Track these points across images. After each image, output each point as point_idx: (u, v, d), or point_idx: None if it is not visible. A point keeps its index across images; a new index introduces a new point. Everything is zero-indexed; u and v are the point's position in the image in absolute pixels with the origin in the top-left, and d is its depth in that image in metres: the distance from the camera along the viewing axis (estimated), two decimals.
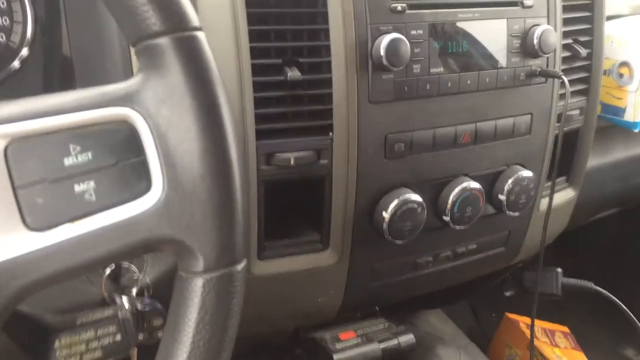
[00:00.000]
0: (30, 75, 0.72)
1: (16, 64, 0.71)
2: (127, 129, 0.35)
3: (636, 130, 0.98)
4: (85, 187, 0.34)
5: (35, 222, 0.33)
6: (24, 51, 0.71)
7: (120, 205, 0.35)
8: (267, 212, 0.67)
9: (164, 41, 0.35)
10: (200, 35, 0.36)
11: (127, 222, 0.35)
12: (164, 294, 0.66)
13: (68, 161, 0.34)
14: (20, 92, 0.71)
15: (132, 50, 0.36)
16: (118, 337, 0.58)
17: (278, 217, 0.70)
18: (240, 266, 0.38)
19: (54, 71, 0.73)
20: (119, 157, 0.35)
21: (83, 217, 0.34)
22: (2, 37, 0.70)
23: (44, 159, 0.33)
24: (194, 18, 0.36)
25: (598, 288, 1.05)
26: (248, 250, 0.39)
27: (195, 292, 0.36)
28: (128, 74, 0.66)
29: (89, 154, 0.34)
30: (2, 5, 0.69)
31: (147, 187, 0.35)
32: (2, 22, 0.70)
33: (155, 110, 0.35)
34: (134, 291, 0.64)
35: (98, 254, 0.34)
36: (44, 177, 0.33)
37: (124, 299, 0.63)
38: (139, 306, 0.63)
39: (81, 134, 0.34)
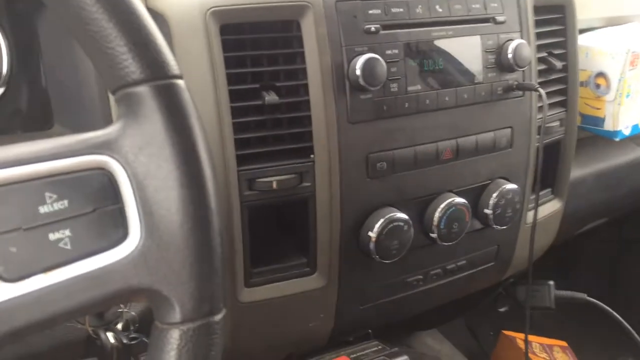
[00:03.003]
0: (7, 113, 0.72)
1: None
2: (104, 177, 0.34)
3: (617, 139, 0.99)
4: (60, 235, 0.33)
5: (7, 272, 0.32)
6: (0, 90, 0.70)
7: (96, 254, 0.34)
8: (252, 238, 0.66)
9: (143, 89, 0.35)
10: (180, 82, 0.36)
11: (103, 271, 0.33)
12: (150, 327, 0.65)
13: (43, 209, 0.32)
14: None
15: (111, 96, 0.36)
16: None
17: (264, 243, 0.69)
18: (218, 316, 0.37)
19: (32, 108, 0.73)
20: (96, 205, 0.34)
21: (57, 266, 0.33)
22: None
23: (18, 207, 0.32)
24: (173, 66, 0.36)
25: (591, 299, 1.05)
26: (226, 298, 0.38)
27: (172, 344, 0.35)
28: (106, 111, 0.65)
29: (65, 202, 0.33)
30: None
31: (124, 236, 0.34)
32: None
33: (133, 157, 0.34)
34: (120, 325, 0.63)
35: (71, 305, 0.33)
36: (18, 225, 0.32)
37: (109, 334, 0.62)
38: (125, 340, 0.62)
39: (58, 182, 0.33)
